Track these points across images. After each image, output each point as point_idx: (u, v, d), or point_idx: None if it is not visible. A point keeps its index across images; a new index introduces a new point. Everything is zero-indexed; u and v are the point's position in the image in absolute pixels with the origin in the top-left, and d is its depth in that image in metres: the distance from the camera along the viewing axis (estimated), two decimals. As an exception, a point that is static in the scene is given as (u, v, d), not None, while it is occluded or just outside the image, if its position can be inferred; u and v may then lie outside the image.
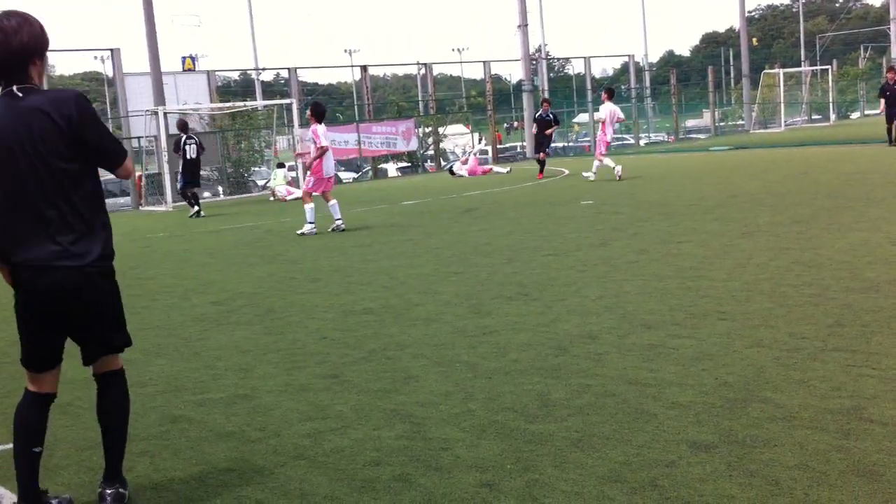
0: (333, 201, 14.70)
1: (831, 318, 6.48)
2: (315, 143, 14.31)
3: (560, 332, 6.72)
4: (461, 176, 27.90)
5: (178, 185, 21.49)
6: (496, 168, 29.33)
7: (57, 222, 3.70)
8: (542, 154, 24.91)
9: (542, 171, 24.33)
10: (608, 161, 21.22)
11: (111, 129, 4.86)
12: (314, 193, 14.64)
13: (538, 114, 25.51)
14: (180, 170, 21.23)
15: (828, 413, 4.57)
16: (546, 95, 35.54)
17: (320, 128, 14.33)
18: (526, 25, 38.35)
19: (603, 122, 21.54)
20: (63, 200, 3.71)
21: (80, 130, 3.70)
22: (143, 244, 15.34)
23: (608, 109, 21.38)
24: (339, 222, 14.72)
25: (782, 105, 47.85)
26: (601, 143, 21.54)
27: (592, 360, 5.90)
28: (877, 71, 64.84)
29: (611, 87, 23.89)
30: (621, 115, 22.34)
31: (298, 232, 14.63)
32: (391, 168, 37.20)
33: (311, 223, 14.49)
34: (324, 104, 16.02)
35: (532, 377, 5.61)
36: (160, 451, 4.77)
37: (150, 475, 4.44)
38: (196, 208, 20.50)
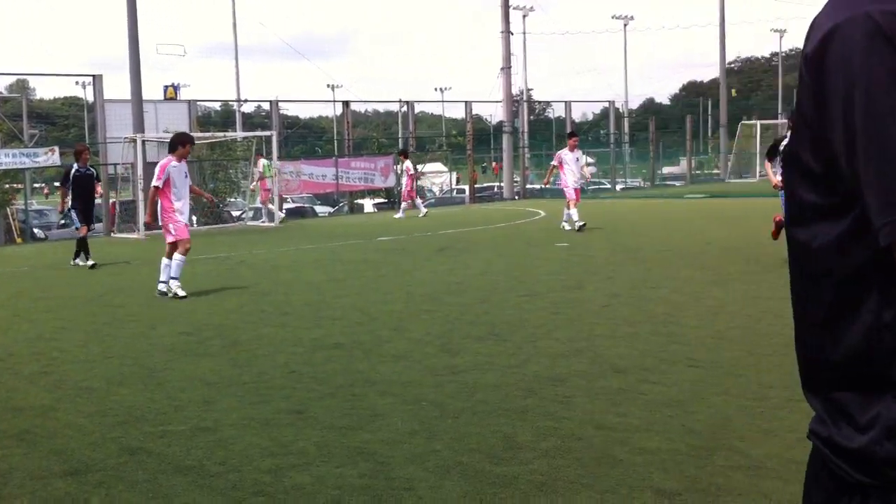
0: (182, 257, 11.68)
1: (800, 368, 6.48)
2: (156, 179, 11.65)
3: (529, 373, 6.67)
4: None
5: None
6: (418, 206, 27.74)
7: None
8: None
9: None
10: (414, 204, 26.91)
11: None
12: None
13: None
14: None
15: (793, 464, 4.54)
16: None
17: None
18: (509, 68, 38.70)
19: (408, 171, 26.81)
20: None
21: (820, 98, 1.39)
22: (113, 271, 15.19)
23: (409, 164, 26.97)
24: (163, 286, 11.62)
25: (758, 156, 48.43)
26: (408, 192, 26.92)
27: (560, 402, 5.86)
28: (851, 126, 65.82)
29: (405, 150, 29.61)
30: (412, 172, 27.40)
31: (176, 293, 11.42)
32: (368, 204, 37.19)
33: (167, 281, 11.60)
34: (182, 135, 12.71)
35: (499, 419, 5.56)
36: (116, 483, 4.66)
37: (104, 507, 4.33)
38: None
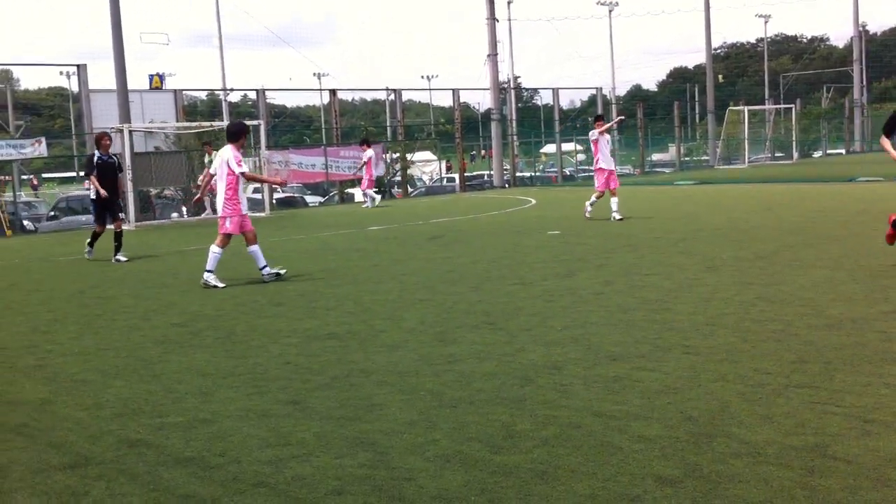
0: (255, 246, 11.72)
1: (794, 354, 6.51)
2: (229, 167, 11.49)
3: (525, 362, 6.68)
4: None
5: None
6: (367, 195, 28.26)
7: None
8: None
9: None
10: (370, 194, 27.76)
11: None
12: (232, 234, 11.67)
13: None
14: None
15: (792, 450, 4.57)
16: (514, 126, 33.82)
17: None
18: (495, 55, 38.66)
19: (368, 162, 27.64)
20: None
21: None
22: (103, 263, 15.12)
23: (371, 154, 27.76)
24: (267, 269, 11.70)
25: (746, 142, 48.57)
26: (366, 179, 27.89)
27: (558, 391, 5.87)
28: (839, 111, 66.09)
29: (366, 139, 30.02)
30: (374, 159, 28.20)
31: (212, 283, 11.42)
32: (358, 193, 37.14)
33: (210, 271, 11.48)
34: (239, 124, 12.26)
35: (497, 407, 5.56)
36: (116, 475, 4.65)
37: (106, 500, 4.32)
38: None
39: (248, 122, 30.20)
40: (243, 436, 5.21)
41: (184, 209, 27.48)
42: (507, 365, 6.61)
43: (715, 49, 76.30)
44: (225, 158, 11.47)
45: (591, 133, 18.96)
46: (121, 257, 15.29)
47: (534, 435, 5.00)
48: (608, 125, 18.74)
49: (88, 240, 15.85)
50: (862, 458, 4.41)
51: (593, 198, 18.74)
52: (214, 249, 11.51)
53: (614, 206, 18.04)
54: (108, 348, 7.91)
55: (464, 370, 6.51)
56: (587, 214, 18.59)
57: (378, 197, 28.55)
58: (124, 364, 7.26)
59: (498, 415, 5.41)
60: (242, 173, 11.47)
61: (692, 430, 4.96)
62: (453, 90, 39.52)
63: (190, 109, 48.17)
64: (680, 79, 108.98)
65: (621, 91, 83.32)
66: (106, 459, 4.91)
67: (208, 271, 11.44)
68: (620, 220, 17.72)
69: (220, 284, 11.33)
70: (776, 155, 54.36)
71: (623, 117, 24.02)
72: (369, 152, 27.92)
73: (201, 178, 27.29)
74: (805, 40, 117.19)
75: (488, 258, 13.06)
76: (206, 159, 26.94)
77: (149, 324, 9.07)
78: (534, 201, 25.95)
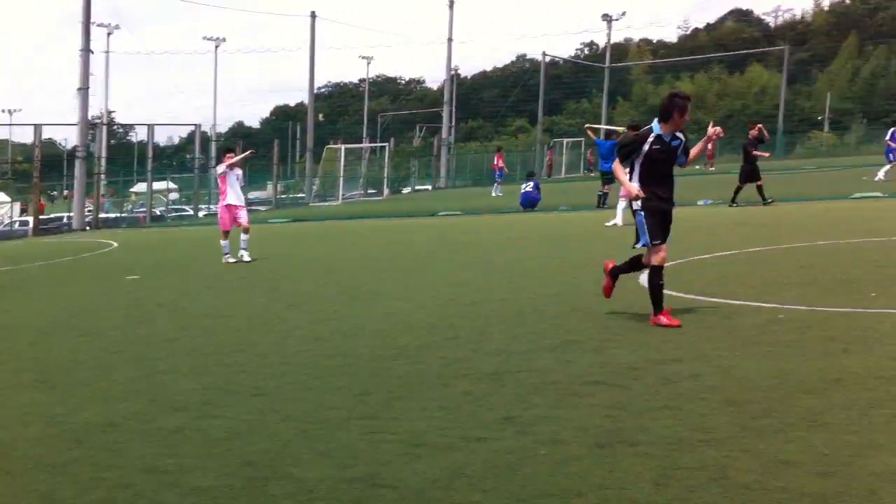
0: None
1: (360, 386, 6.60)
2: None
3: (78, 421, 6.10)
4: None
5: None
6: None
7: None
8: None
9: None
10: None
11: None
12: None
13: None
14: None
15: (345, 483, 4.56)
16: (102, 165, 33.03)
17: None
18: (87, 89, 36.45)
19: None
20: None
21: None
22: None
23: None
24: None
25: (341, 179, 50.34)
26: None
27: (110, 450, 5.40)
28: (428, 149, 71.07)
29: None
30: None
31: None
32: None
33: None
34: None
35: (37, 476, 4.99)
36: None
37: None
38: None
39: None
40: None
41: None
42: (57, 427, 5.99)
43: (319, 88, 78.56)
44: None
45: (218, 167, 17.84)
46: None
47: (76, 501, 4.54)
48: (237, 158, 17.70)
49: None
50: (408, 481, 4.51)
51: (223, 242, 16.70)
52: None
53: (244, 245, 16.61)
54: None
55: (4, 438, 5.77)
56: (230, 259, 16.48)
57: None
58: None
59: (37, 484, 4.85)
60: None
61: (250, 475, 4.79)
62: (35, 125, 36.50)
63: None
64: (283, 116, 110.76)
65: (223, 128, 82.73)
66: None
67: None
68: (250, 261, 16.31)
69: None
70: (369, 191, 56.93)
71: (253, 151, 22.66)
72: None
73: None
74: (403, 82, 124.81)
75: (53, 309, 11.97)
76: None
77: None
78: (115, 244, 24.44)
